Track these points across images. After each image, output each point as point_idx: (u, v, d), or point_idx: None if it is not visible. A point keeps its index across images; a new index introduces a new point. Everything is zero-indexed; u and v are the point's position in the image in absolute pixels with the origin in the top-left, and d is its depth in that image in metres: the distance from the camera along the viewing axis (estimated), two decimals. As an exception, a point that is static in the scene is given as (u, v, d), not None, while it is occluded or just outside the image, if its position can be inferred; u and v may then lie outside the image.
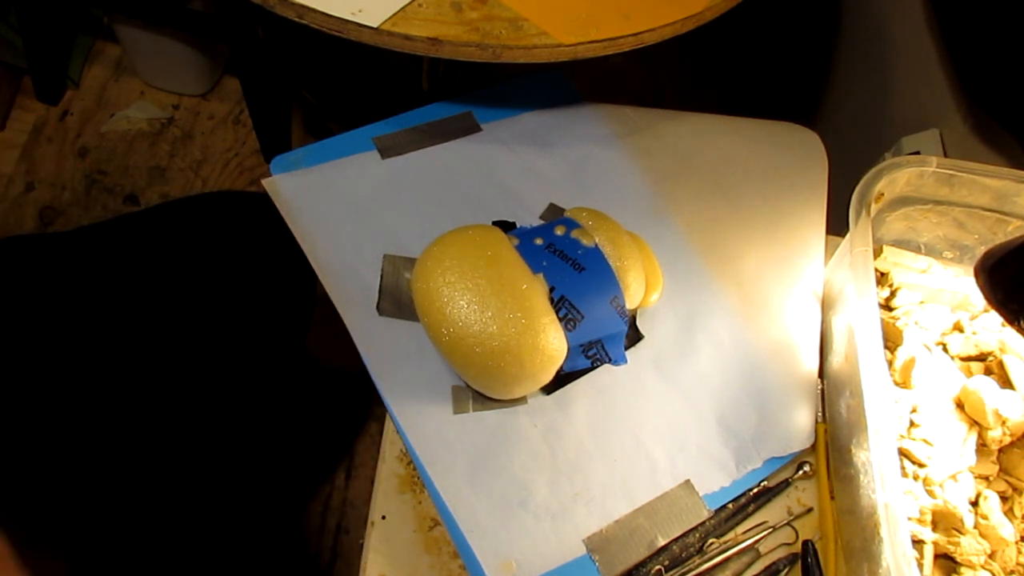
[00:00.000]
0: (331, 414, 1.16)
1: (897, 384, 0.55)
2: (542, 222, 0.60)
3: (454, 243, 0.51)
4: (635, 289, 0.54)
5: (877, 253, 0.60)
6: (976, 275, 0.47)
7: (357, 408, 1.17)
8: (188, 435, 0.60)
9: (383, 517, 0.50)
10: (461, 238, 0.52)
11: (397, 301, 0.55)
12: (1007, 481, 0.52)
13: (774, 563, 0.51)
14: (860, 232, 0.51)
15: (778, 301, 0.60)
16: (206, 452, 0.61)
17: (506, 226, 0.59)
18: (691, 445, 0.53)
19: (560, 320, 0.50)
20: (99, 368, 0.57)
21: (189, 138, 1.42)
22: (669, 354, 0.56)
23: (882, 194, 0.55)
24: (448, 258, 0.50)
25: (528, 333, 0.48)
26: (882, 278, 0.60)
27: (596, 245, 0.53)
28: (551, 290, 0.51)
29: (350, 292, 0.55)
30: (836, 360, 0.56)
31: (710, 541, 0.51)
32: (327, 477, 1.12)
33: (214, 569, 0.62)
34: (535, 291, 0.50)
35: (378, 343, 0.53)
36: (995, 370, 0.55)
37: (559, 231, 0.54)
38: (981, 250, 0.50)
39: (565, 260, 0.52)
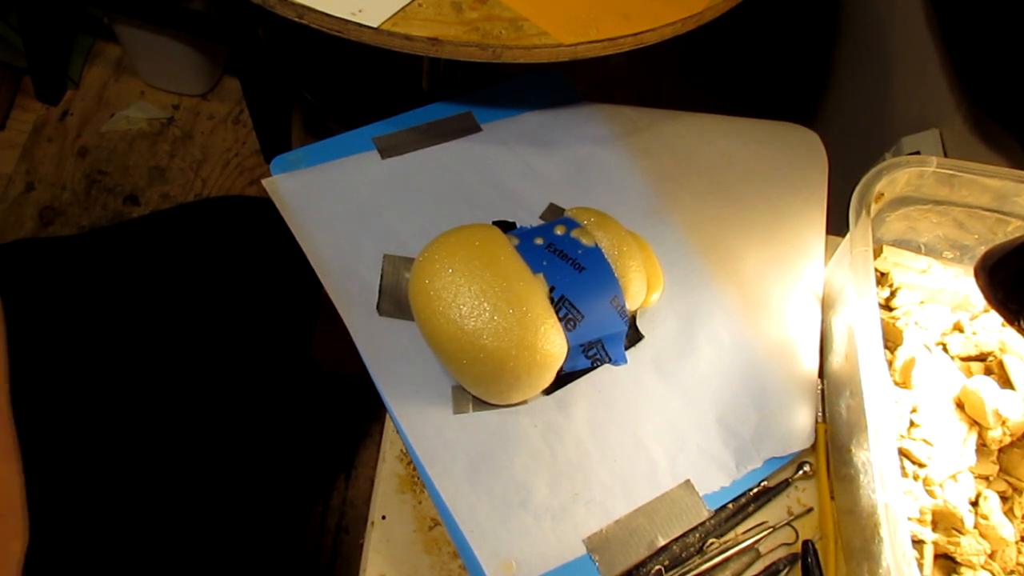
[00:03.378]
0: (332, 417, 1.16)
1: (897, 384, 0.55)
2: (542, 222, 0.60)
3: (450, 244, 0.51)
4: (637, 288, 0.54)
5: (877, 253, 0.60)
6: (976, 275, 0.47)
7: (358, 411, 1.17)
8: (190, 438, 0.60)
9: (383, 517, 0.50)
10: (458, 238, 0.51)
11: (397, 301, 0.55)
12: (1007, 481, 0.52)
13: (774, 563, 0.51)
14: (860, 232, 0.51)
15: (778, 301, 0.60)
16: (208, 454, 0.61)
17: (506, 226, 0.59)
18: (691, 445, 0.53)
19: (560, 320, 0.50)
20: (101, 372, 0.57)
21: (189, 138, 1.42)
22: (669, 354, 0.56)
23: (882, 194, 0.55)
24: (440, 260, 0.50)
25: (524, 343, 0.48)
26: (882, 278, 0.60)
27: (596, 245, 0.53)
28: (551, 290, 0.51)
29: (350, 292, 0.55)
30: (836, 360, 0.56)
31: (710, 541, 0.51)
32: (327, 480, 1.12)
33: (215, 569, 0.62)
34: (534, 292, 0.49)
35: (378, 343, 0.53)
36: (995, 370, 0.55)
37: (559, 231, 0.54)
38: (981, 250, 0.50)
39: (565, 260, 0.52)
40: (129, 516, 0.56)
